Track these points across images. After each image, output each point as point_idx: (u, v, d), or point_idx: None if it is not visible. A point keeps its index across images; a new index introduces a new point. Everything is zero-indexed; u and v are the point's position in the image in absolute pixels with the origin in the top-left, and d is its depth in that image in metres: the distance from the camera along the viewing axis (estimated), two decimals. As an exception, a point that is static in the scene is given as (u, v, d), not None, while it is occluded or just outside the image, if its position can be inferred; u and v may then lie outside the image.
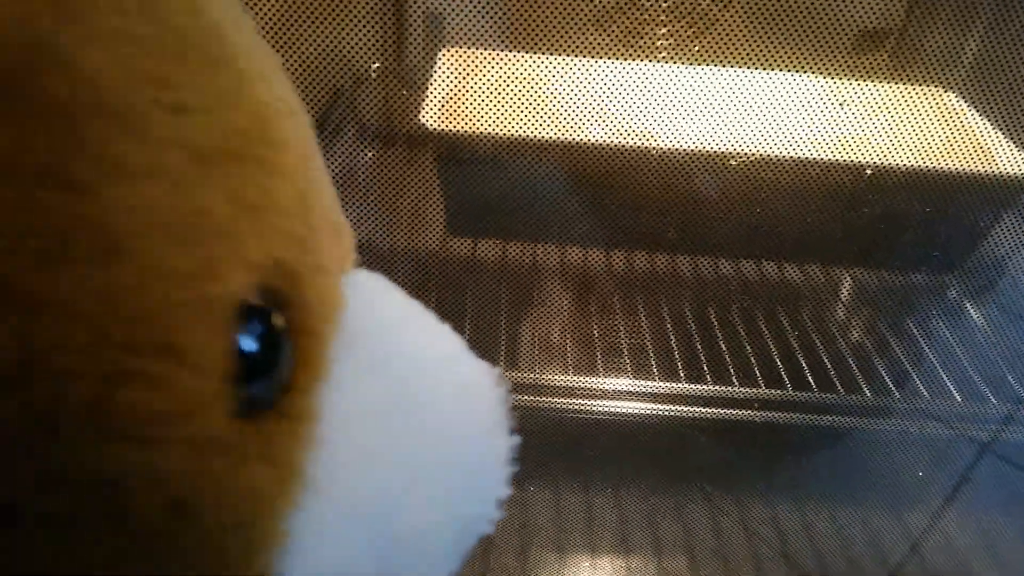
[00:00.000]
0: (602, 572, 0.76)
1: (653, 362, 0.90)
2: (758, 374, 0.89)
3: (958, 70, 0.77)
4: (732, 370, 0.89)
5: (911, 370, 0.91)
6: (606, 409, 0.88)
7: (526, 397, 0.87)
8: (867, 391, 0.89)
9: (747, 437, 0.88)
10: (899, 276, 0.93)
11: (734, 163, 0.75)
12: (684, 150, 0.76)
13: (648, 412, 0.88)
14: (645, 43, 0.72)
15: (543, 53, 0.81)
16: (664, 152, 0.76)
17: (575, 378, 0.89)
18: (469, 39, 0.73)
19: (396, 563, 0.29)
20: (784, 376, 0.89)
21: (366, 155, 0.77)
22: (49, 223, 0.19)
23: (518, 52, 0.80)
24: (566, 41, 0.71)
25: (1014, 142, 0.77)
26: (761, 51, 0.70)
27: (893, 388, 0.89)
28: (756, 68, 0.77)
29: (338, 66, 0.67)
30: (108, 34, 0.21)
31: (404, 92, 0.77)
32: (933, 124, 0.79)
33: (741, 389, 0.88)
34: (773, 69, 0.75)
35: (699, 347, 0.92)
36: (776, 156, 0.76)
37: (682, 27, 0.71)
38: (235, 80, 0.24)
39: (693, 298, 0.98)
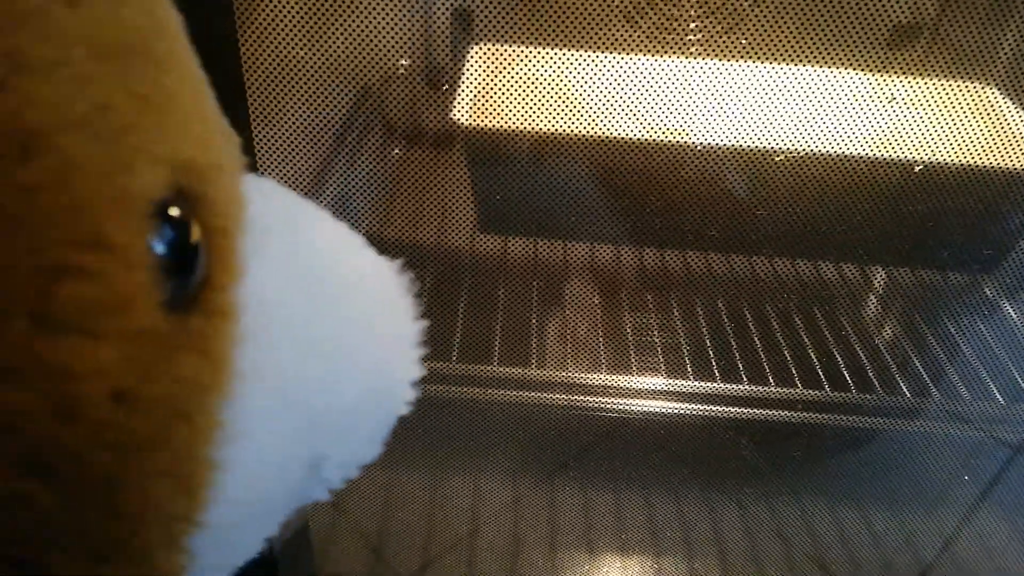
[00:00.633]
0: (632, 572, 0.75)
1: (687, 361, 0.90)
2: (794, 373, 0.88)
3: (995, 64, 0.75)
4: (768, 369, 0.88)
5: (951, 370, 0.89)
6: (638, 408, 0.88)
7: (557, 396, 0.87)
8: (906, 391, 0.87)
9: (780, 437, 0.87)
10: (937, 274, 0.92)
11: (777, 159, 0.74)
12: (717, 146, 0.76)
13: (680, 412, 0.87)
14: (676, 38, 0.71)
15: (574, 49, 0.81)
16: (696, 148, 0.76)
17: (606, 376, 0.88)
18: (498, 35, 0.74)
19: (323, 443, 0.30)
20: (822, 376, 0.88)
21: (394, 152, 0.78)
22: None
23: (549, 48, 0.80)
24: (596, 36, 0.71)
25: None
26: (793, 46, 0.69)
27: (933, 388, 0.87)
28: (788, 63, 0.76)
29: (366, 64, 0.67)
30: None
31: (433, 89, 0.77)
32: (975, 120, 0.78)
33: (777, 389, 0.87)
34: (805, 64, 0.74)
35: (734, 346, 0.91)
36: (812, 152, 0.75)
37: (713, 22, 0.71)
38: None
39: (727, 297, 0.98)
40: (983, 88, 0.81)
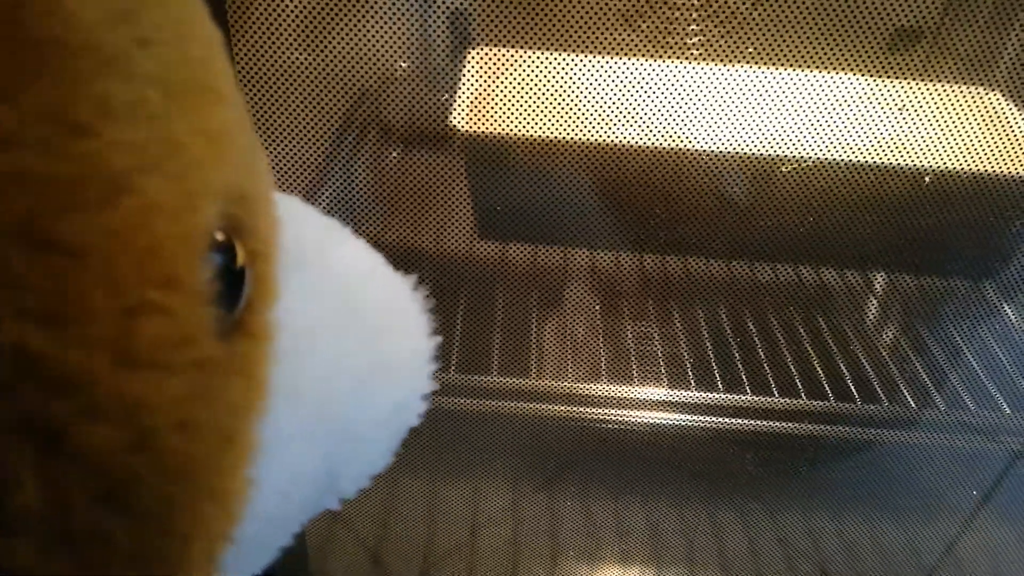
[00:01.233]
0: (633, 583, 0.74)
1: (689, 371, 0.89)
2: (799, 383, 0.87)
3: (999, 68, 0.75)
4: (771, 379, 0.88)
5: (956, 381, 0.88)
6: (639, 419, 0.87)
7: (557, 407, 0.86)
8: (910, 401, 0.86)
9: (782, 447, 0.86)
10: (941, 282, 0.91)
11: (778, 165, 0.74)
12: (718, 153, 0.75)
13: (682, 423, 0.86)
14: (675, 41, 0.71)
15: (572, 52, 0.80)
16: (697, 155, 0.75)
17: (607, 387, 0.87)
18: (496, 38, 0.73)
19: (344, 456, 0.31)
20: (825, 386, 0.87)
21: (392, 156, 0.77)
22: (63, 167, 0.19)
23: (548, 52, 0.79)
24: (595, 39, 0.71)
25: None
26: (793, 49, 0.69)
27: (939, 399, 0.86)
28: (788, 67, 0.76)
29: (364, 66, 0.67)
30: None
31: (430, 92, 0.76)
32: (979, 125, 0.77)
33: (780, 400, 0.86)
34: (805, 68, 0.74)
35: (736, 356, 0.90)
36: (814, 159, 0.74)
37: (712, 25, 0.70)
38: (185, 10, 0.24)
39: (728, 305, 0.97)
40: (986, 93, 0.81)
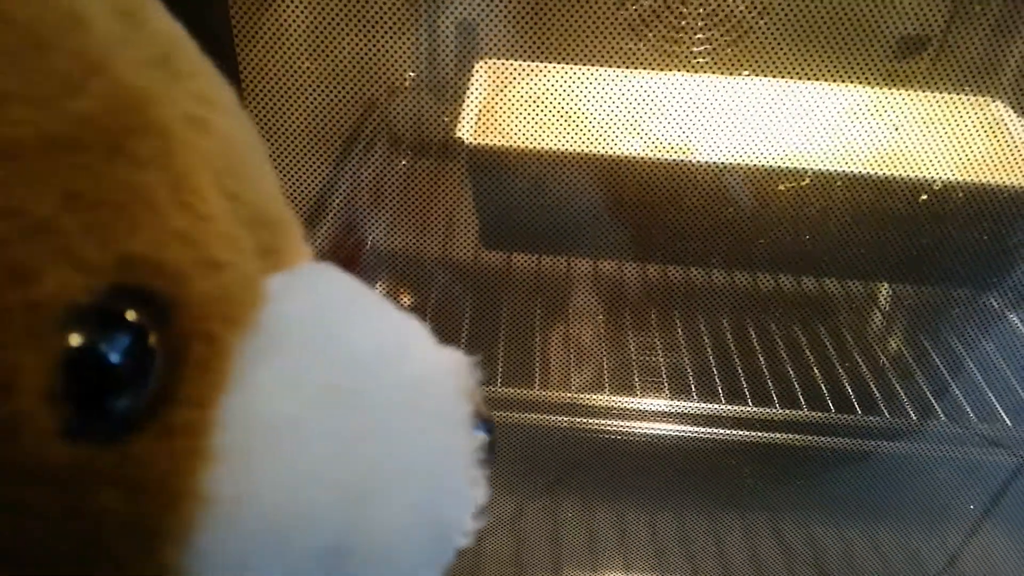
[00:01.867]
0: (636, 592, 0.74)
1: (692, 382, 0.88)
2: (800, 397, 0.87)
3: (1003, 78, 0.75)
4: (773, 390, 0.87)
5: (958, 391, 0.88)
6: (641, 430, 0.86)
7: (561, 417, 0.86)
8: (912, 413, 0.86)
9: (785, 458, 0.86)
10: (942, 293, 0.91)
11: (783, 186, 0.74)
12: (722, 164, 0.75)
13: (684, 434, 0.86)
14: (682, 50, 0.71)
15: (578, 63, 0.80)
16: (702, 166, 0.75)
17: (610, 397, 0.87)
18: (503, 50, 0.73)
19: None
20: (827, 397, 0.87)
21: (399, 166, 0.77)
22: None
23: (554, 64, 0.79)
24: (601, 50, 0.71)
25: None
26: (797, 58, 0.69)
27: (939, 410, 0.86)
28: (793, 77, 0.76)
29: (372, 77, 0.67)
30: None
31: (437, 103, 0.76)
32: (980, 135, 0.78)
33: (782, 411, 0.86)
34: (809, 78, 0.74)
35: (738, 367, 0.90)
36: (816, 170, 0.74)
37: (718, 34, 0.71)
38: (82, 66, 0.22)
39: (731, 316, 0.97)
40: (990, 102, 0.81)
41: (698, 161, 0.75)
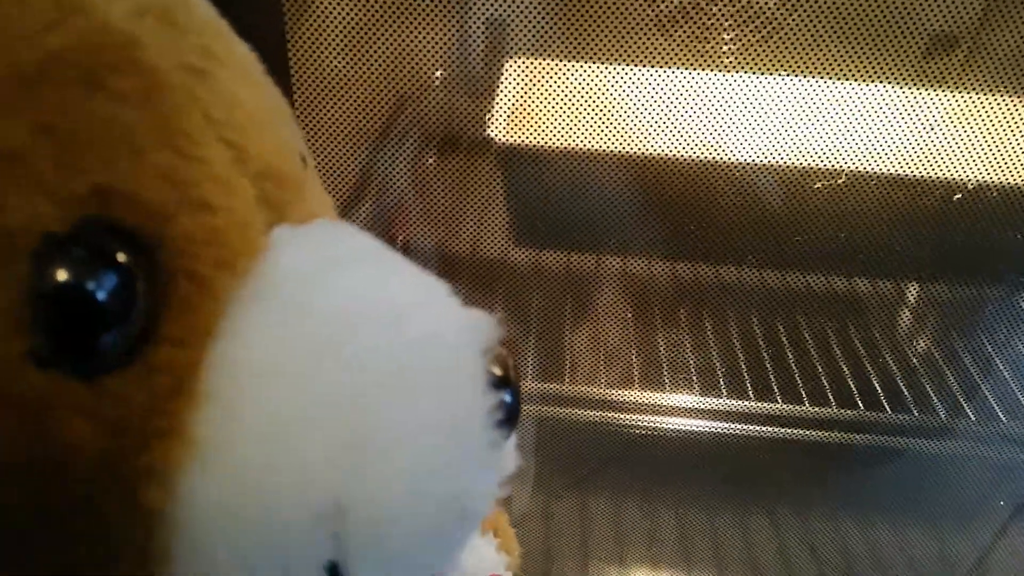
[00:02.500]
0: (664, 586, 0.74)
1: (721, 379, 0.89)
2: (829, 394, 0.87)
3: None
4: (801, 387, 0.87)
5: (988, 391, 0.88)
6: (671, 426, 0.87)
7: (590, 412, 0.86)
8: (941, 412, 0.86)
9: (813, 455, 0.86)
10: (974, 292, 0.90)
11: (819, 184, 0.74)
12: (753, 164, 0.75)
13: (713, 430, 0.86)
14: (710, 48, 0.71)
15: (608, 62, 0.81)
16: (732, 165, 0.75)
17: (639, 393, 0.88)
18: (533, 48, 0.74)
19: (355, 548, 0.24)
20: (856, 395, 0.87)
21: (429, 161, 0.78)
22: None
23: (585, 62, 0.80)
24: (630, 48, 0.71)
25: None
26: (827, 56, 0.69)
27: (969, 410, 0.86)
28: (823, 75, 0.76)
29: (403, 73, 0.68)
30: None
31: (467, 100, 0.77)
32: (1016, 135, 0.77)
33: (811, 408, 0.86)
34: (839, 77, 0.74)
35: (767, 364, 0.90)
36: (851, 170, 0.74)
37: (748, 31, 0.71)
38: (60, 5, 0.22)
39: (761, 313, 0.97)
40: None
41: (728, 160, 0.75)
